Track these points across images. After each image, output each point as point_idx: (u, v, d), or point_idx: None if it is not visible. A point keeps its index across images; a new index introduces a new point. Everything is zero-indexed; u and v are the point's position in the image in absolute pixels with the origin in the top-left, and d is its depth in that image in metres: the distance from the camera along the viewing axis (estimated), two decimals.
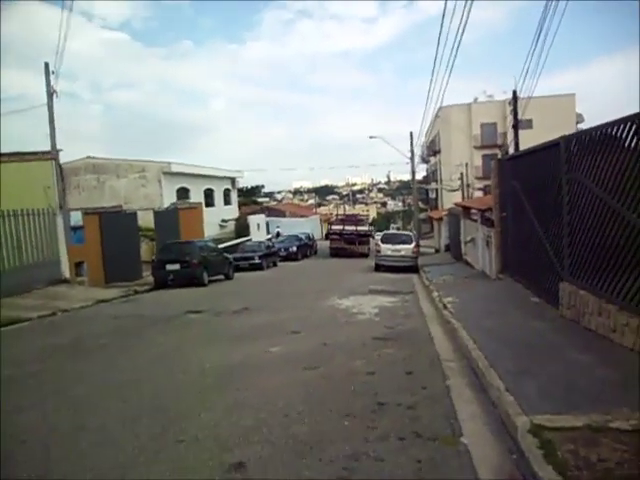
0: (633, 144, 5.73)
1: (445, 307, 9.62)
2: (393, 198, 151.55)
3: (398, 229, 58.70)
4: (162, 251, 17.09)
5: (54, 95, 14.74)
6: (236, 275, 19.80)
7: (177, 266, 15.95)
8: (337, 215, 41.79)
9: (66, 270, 15.25)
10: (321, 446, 3.83)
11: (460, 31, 13.29)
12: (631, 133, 5.74)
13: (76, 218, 16.06)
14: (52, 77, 14.58)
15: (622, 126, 5.95)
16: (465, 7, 10.40)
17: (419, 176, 61.33)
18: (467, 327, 7.50)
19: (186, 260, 16.00)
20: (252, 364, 6.32)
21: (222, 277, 18.62)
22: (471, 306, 9.64)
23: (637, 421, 3.74)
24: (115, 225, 17.83)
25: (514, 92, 15.23)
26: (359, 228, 31.62)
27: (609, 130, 6.29)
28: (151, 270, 16.91)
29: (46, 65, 14.49)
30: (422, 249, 32.33)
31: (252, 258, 22.83)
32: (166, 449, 3.91)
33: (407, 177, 38.14)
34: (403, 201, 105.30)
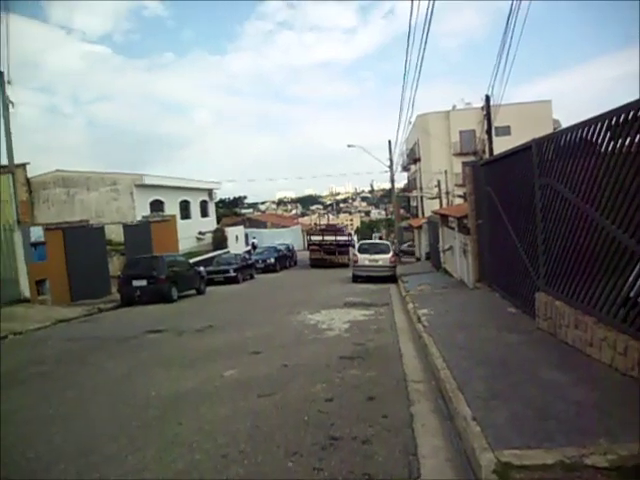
0: (604, 145, 5.37)
1: (419, 320, 9.17)
2: (376, 207, 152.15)
3: (380, 238, 58.49)
4: (128, 266, 16.37)
5: (10, 106, 14.06)
6: (209, 289, 19.17)
7: (144, 282, 15.26)
8: (316, 225, 41.31)
9: (26, 289, 14.49)
10: None
11: (424, 42, 13.02)
12: (602, 133, 5.38)
13: (37, 234, 15.31)
14: (8, 87, 13.90)
15: (593, 127, 5.58)
16: (426, 23, 10.10)
17: (401, 184, 61.42)
18: (438, 342, 7.05)
19: (153, 275, 15.32)
20: (202, 391, 5.76)
21: (194, 292, 17.98)
22: (446, 319, 9.19)
23: (615, 456, 3.28)
24: (81, 240, 17.12)
25: (487, 97, 14.97)
26: (338, 238, 31.28)
27: (581, 131, 5.92)
28: (117, 286, 16.19)
29: (0, 74, 13.82)
30: (404, 258, 32.10)
31: (227, 271, 22.18)
32: None
33: (390, 185, 37.84)
34: (386, 210, 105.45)
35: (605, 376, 4.90)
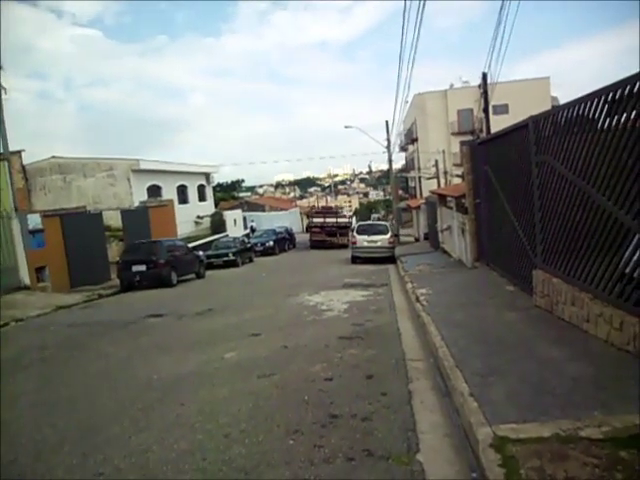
0: (601, 122, 5.35)
1: (418, 299, 9.23)
2: (375, 188, 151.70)
3: (379, 219, 58.44)
4: (127, 252, 16.40)
5: (2, 92, 13.94)
6: (209, 273, 19.24)
7: (143, 267, 15.30)
8: (312, 207, 41.83)
9: (25, 276, 14.51)
10: (258, 472, 3.39)
11: (419, 19, 12.86)
12: (599, 109, 5.35)
13: (35, 221, 15.28)
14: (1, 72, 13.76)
15: (590, 103, 5.55)
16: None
17: (399, 165, 61.21)
18: (437, 321, 7.11)
19: (152, 260, 15.36)
20: (203, 374, 5.82)
21: (193, 276, 18.03)
22: (444, 298, 9.25)
23: (609, 428, 3.34)
24: (79, 227, 17.09)
25: (484, 75, 14.83)
26: (339, 220, 31.91)
27: (577, 108, 5.89)
28: (117, 272, 16.24)
29: None
30: (402, 238, 32.19)
31: (226, 255, 22.24)
32: None
33: (388, 166, 37.70)
34: (384, 191, 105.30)
35: (601, 351, 4.96)
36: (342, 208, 48.52)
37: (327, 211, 35.34)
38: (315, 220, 32.41)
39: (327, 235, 31.27)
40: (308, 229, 34.47)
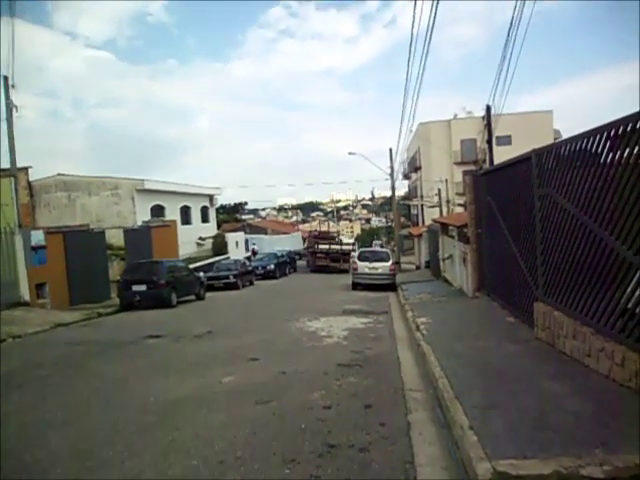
0: (603, 157, 5.41)
1: (418, 328, 9.17)
2: (377, 214, 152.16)
3: (381, 245, 58.42)
4: (128, 271, 16.41)
5: (14, 110, 14.13)
6: (209, 295, 19.18)
7: (144, 287, 15.29)
8: (311, 233, 43.50)
9: (26, 292, 14.49)
10: None
11: (425, 51, 13.09)
12: (601, 145, 5.42)
13: (37, 238, 15.32)
14: (12, 91, 13.99)
15: (592, 138, 5.62)
16: (428, 32, 10.19)
17: (401, 192, 61.50)
18: (437, 351, 7.05)
19: (153, 280, 15.36)
20: (201, 397, 5.76)
21: (193, 297, 17.99)
22: (444, 327, 9.20)
23: (611, 467, 3.29)
24: (81, 244, 17.13)
25: (487, 107, 15.05)
26: (344, 247, 33.82)
27: (580, 143, 5.96)
28: (117, 291, 16.21)
29: (5, 78, 13.92)
30: (403, 266, 32.23)
31: (227, 277, 22.23)
32: None
33: (390, 193, 38.00)
34: (386, 217, 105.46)
35: (602, 387, 4.91)
36: (340, 233, 50.54)
37: (330, 237, 36.98)
38: (321, 247, 33.97)
39: (331, 261, 32.94)
40: (310, 253, 35.30)
